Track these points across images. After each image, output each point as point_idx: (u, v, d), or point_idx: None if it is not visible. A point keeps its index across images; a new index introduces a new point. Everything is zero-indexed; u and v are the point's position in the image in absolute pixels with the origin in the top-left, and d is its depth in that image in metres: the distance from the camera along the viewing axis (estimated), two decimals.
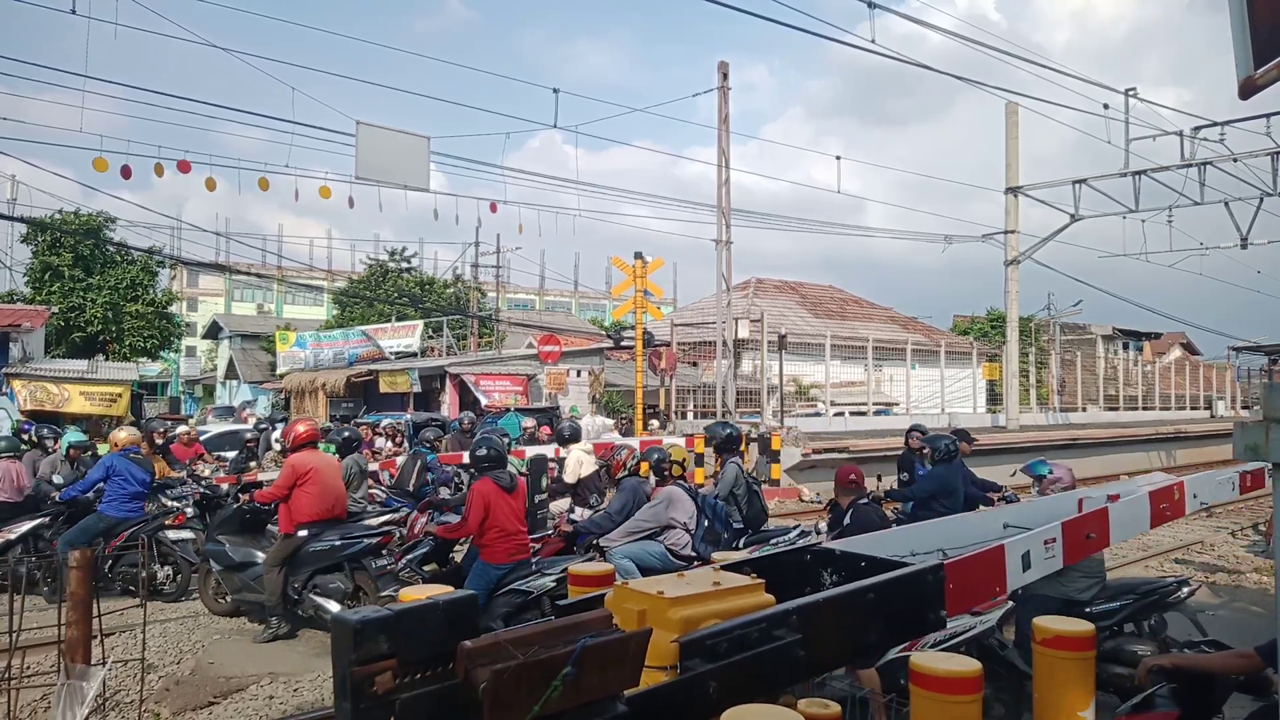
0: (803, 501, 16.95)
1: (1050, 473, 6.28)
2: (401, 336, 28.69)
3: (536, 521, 7.30)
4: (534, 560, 6.48)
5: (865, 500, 6.30)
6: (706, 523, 6.84)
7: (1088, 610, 5.56)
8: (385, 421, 17.11)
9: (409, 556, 6.93)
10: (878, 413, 27.25)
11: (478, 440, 7.35)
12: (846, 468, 6.64)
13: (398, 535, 7.38)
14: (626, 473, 7.41)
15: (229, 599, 7.77)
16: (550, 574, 6.29)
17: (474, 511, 6.35)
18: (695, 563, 6.30)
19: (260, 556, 7.41)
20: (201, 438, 15.64)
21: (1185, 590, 5.87)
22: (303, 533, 7.18)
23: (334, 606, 6.94)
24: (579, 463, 9.12)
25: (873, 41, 12.90)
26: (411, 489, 9.90)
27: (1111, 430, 29.56)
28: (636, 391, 21.17)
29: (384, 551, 7.18)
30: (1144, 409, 38.69)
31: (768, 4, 11.88)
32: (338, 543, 7.16)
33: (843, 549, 4.21)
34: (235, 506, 7.98)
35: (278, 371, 32.83)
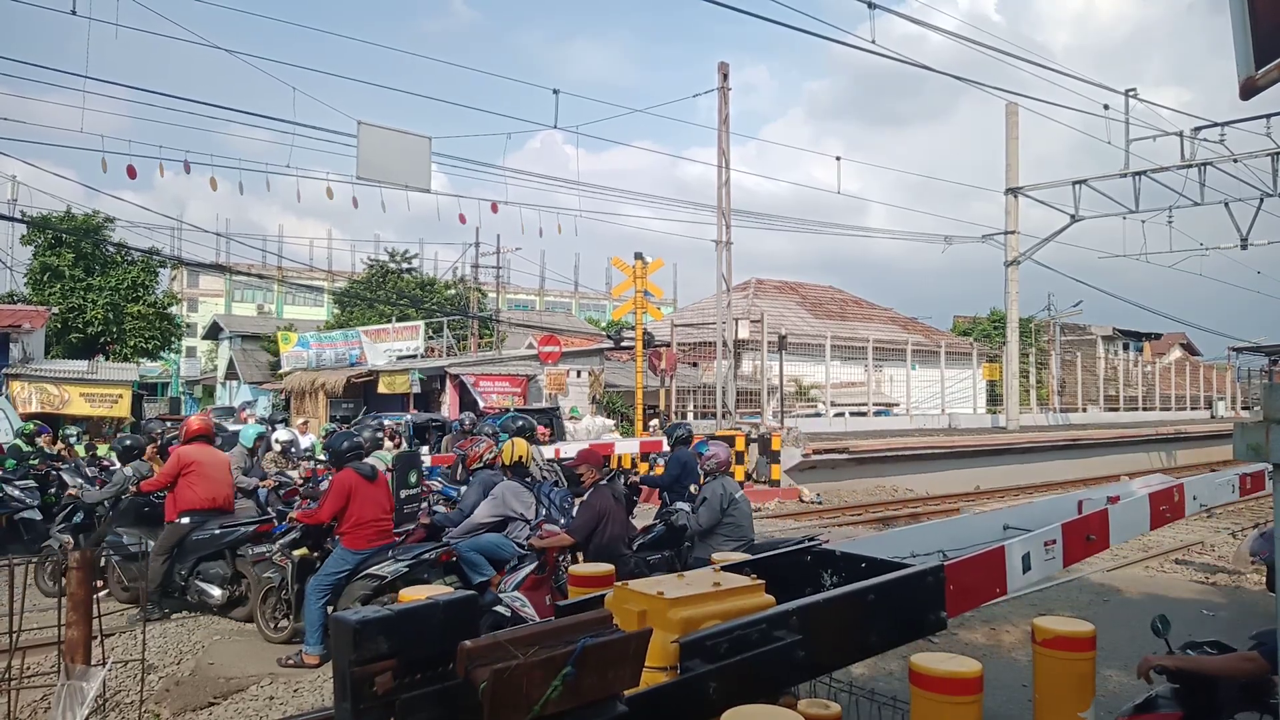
0: (803, 502, 16.95)
1: (707, 451, 7.27)
2: (404, 339, 28.69)
3: (405, 515, 7.55)
4: (391, 548, 6.75)
5: (606, 481, 6.68)
6: (545, 512, 7.01)
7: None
8: (386, 423, 17.09)
9: (281, 542, 7.25)
10: (878, 413, 27.25)
11: (340, 434, 7.64)
12: (597, 451, 7.23)
13: (279, 525, 7.76)
14: (482, 465, 7.55)
15: (128, 588, 8.17)
16: (404, 560, 6.60)
17: (330, 499, 6.68)
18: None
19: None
20: None
21: (809, 544, 6.33)
22: (185, 520, 7.63)
23: (215, 591, 7.49)
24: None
25: (873, 42, 12.90)
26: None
27: (1112, 431, 29.55)
28: (636, 392, 21.17)
29: (265, 540, 7.53)
30: (1144, 409, 38.68)
31: (768, 4, 11.88)
32: (217, 531, 7.65)
33: (843, 550, 4.21)
34: (131, 499, 8.37)
35: (281, 371, 32.83)
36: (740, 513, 6.83)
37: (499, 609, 5.98)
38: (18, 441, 12.51)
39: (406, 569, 6.54)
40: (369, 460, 7.23)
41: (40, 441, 12.82)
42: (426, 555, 6.73)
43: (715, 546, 6.59)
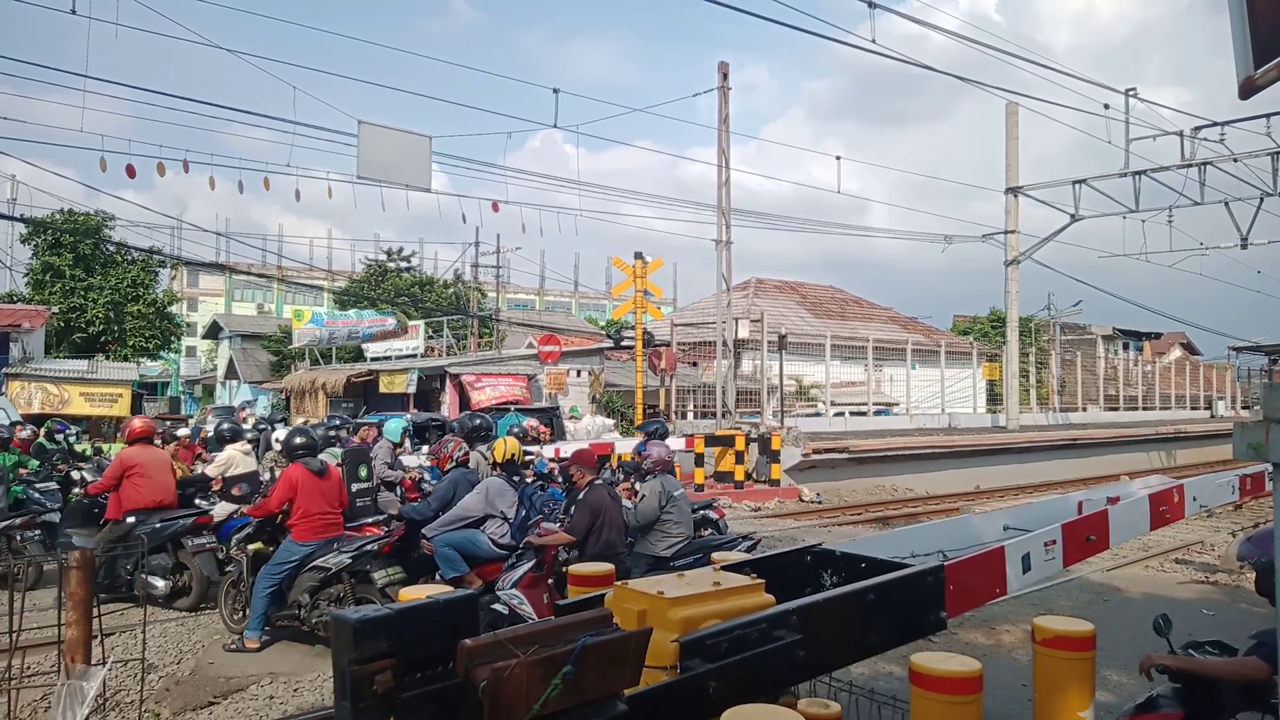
0: (802, 501, 16.94)
1: (646, 450, 7.50)
2: (405, 338, 28.70)
3: (358, 509, 7.75)
4: (337, 540, 6.92)
5: (601, 482, 6.83)
6: (525, 513, 7.07)
7: (672, 564, 6.66)
8: (388, 423, 17.08)
9: (236, 536, 7.41)
10: (878, 413, 27.25)
11: (293, 430, 7.97)
12: (591, 451, 7.36)
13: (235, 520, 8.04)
14: (454, 464, 7.72)
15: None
16: (347, 551, 6.76)
17: (277, 493, 6.97)
18: (515, 552, 6.70)
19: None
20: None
21: (744, 544, 7.21)
22: (130, 519, 7.96)
23: (159, 583, 7.78)
24: (229, 461, 9.58)
25: (873, 41, 12.89)
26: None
27: (1112, 430, 29.55)
28: (636, 391, 21.16)
29: (204, 531, 8.04)
30: (1144, 409, 38.69)
31: (768, 4, 11.88)
32: (158, 525, 7.94)
33: (843, 550, 4.22)
34: (79, 501, 8.66)
35: (293, 346, 32.95)
36: (679, 510, 7.07)
37: (497, 607, 6.06)
38: (42, 440, 12.48)
39: (350, 560, 6.72)
40: (321, 456, 7.47)
41: (60, 439, 12.82)
42: (369, 547, 6.88)
43: (654, 542, 6.94)
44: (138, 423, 8.71)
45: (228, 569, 7.44)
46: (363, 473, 7.95)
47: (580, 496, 6.61)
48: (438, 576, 6.82)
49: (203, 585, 7.92)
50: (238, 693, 5.94)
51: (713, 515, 8.86)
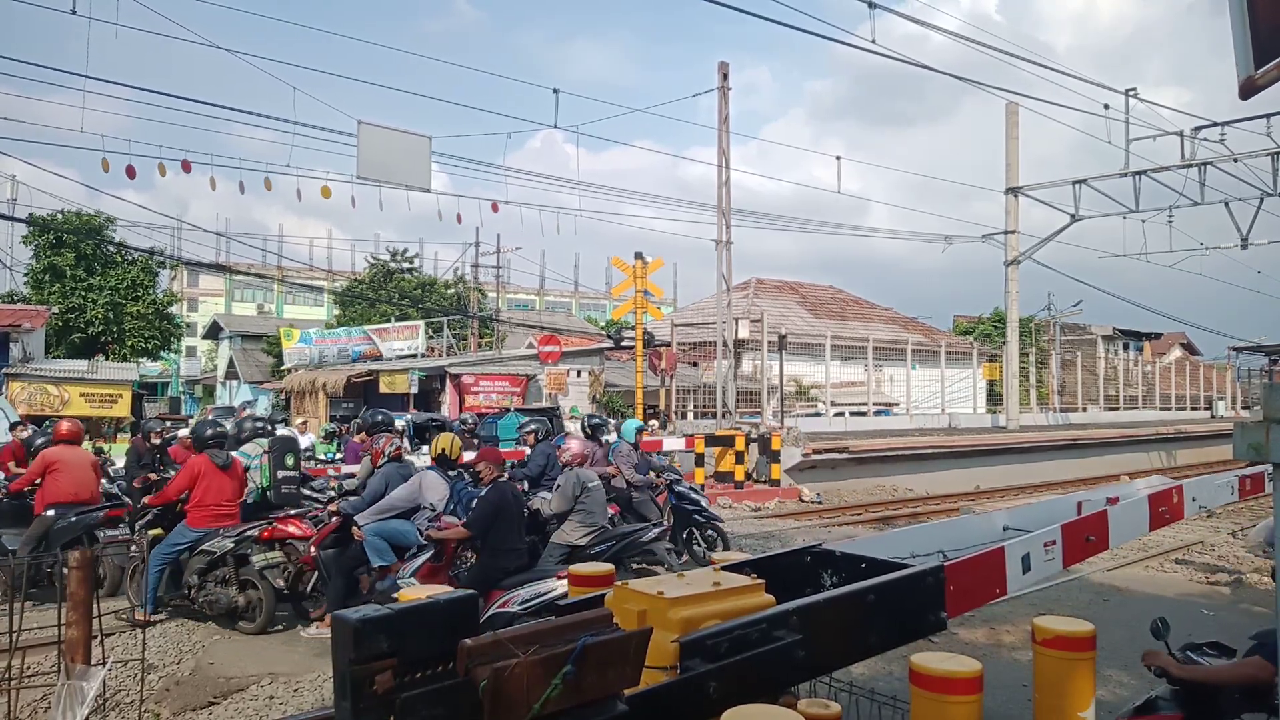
0: (802, 501, 16.94)
1: (563, 445, 8.02)
2: (404, 338, 28.70)
3: (283, 496, 8.00)
4: (223, 528, 7.41)
5: (504, 478, 6.96)
6: (453, 507, 7.32)
7: (587, 552, 7.04)
8: (396, 423, 17.07)
9: (139, 522, 7.87)
10: (878, 413, 27.25)
11: (204, 421, 8.61)
12: (494, 450, 7.61)
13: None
14: (386, 460, 8.02)
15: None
16: (230, 537, 7.32)
17: (177, 482, 7.56)
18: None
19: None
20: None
21: (653, 532, 7.71)
22: (50, 513, 8.35)
23: None
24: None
25: (873, 42, 12.89)
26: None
27: (1112, 430, 29.55)
28: (636, 391, 21.16)
29: (118, 524, 8.50)
30: (1144, 409, 38.68)
31: (768, 4, 11.87)
32: (74, 519, 8.38)
33: (843, 550, 4.21)
34: (8, 502, 9.03)
35: (283, 367, 32.82)
36: (593, 500, 7.43)
37: (397, 595, 6.13)
38: None
39: (233, 544, 7.26)
40: (246, 448, 8.18)
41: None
42: (250, 532, 7.38)
43: (569, 531, 7.34)
44: (64, 425, 9.07)
45: (131, 553, 7.98)
46: (289, 461, 8.15)
47: (482, 493, 6.76)
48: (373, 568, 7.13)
49: (114, 574, 8.40)
50: (238, 693, 5.94)
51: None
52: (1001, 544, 3.94)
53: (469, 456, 8.29)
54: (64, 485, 8.47)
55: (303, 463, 11.00)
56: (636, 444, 10.25)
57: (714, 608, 2.89)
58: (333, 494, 9.57)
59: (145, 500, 8.14)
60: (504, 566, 6.28)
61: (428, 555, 6.76)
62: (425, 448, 13.22)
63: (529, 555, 6.72)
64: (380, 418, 10.25)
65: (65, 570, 5.24)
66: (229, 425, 9.17)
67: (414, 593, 4.65)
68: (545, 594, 5.90)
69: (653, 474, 10.22)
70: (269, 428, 10.65)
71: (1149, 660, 3.42)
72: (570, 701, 1.92)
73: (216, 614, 7.38)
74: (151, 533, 7.62)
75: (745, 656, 2.75)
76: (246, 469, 8.00)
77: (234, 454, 7.99)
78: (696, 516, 10.03)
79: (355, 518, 7.29)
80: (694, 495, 10.66)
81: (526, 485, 9.25)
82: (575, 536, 7.28)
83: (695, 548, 9.99)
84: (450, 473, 7.65)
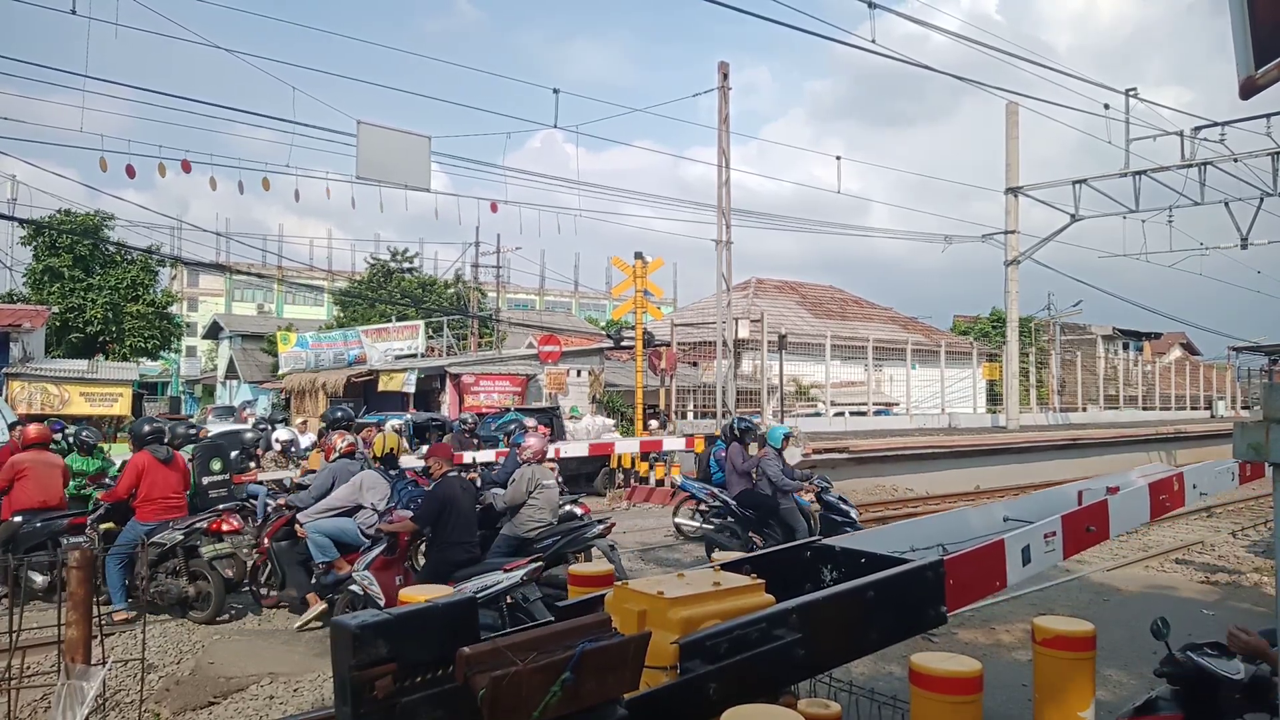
0: None
1: (523, 442, 8.11)
2: (404, 338, 28.67)
3: (210, 499, 8.29)
4: (172, 520, 7.69)
5: (455, 475, 7.19)
6: (394, 505, 7.53)
7: (534, 546, 7.18)
8: (391, 423, 17.07)
9: (91, 518, 8.22)
10: (878, 413, 27.23)
11: (143, 419, 8.84)
12: (448, 446, 7.87)
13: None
14: (338, 456, 8.22)
15: None
16: (179, 529, 7.59)
17: (125, 478, 7.80)
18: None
19: None
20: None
21: (598, 528, 7.76)
22: (18, 519, 8.50)
23: (39, 578, 8.15)
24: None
25: (873, 41, 12.89)
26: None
27: (1112, 430, 29.54)
28: (636, 391, 21.15)
29: (82, 531, 8.43)
30: (1144, 409, 38.66)
31: (768, 4, 11.87)
32: (39, 525, 8.54)
33: (843, 545, 4.21)
34: None
35: (280, 371, 32.79)
36: (545, 498, 7.58)
37: (353, 588, 6.80)
38: None
39: (182, 536, 7.56)
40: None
41: (58, 438, 12.72)
42: (199, 524, 7.69)
43: (519, 524, 7.46)
44: (33, 430, 9.12)
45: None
46: (216, 466, 8.44)
47: (431, 488, 6.98)
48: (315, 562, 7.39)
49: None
50: (238, 693, 5.94)
51: (577, 510, 9.37)
52: (1001, 536, 3.93)
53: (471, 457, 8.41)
54: (31, 492, 8.55)
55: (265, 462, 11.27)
56: (782, 450, 9.98)
57: (714, 607, 2.89)
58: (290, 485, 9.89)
59: (98, 497, 8.52)
60: (454, 560, 6.51)
61: (380, 548, 6.98)
62: (425, 447, 13.22)
63: (482, 549, 7.00)
64: (340, 414, 10.34)
65: (68, 569, 5.22)
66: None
67: (413, 595, 4.65)
68: (492, 586, 6.09)
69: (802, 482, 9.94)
70: (197, 433, 10.88)
71: (1233, 640, 3.27)
72: (570, 707, 1.91)
73: (168, 605, 7.61)
74: (103, 527, 7.99)
75: (745, 656, 2.74)
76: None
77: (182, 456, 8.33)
78: (846, 529, 9.41)
79: (298, 514, 7.54)
80: (843, 505, 10.40)
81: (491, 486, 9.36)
82: (523, 530, 7.47)
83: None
84: (392, 471, 7.87)
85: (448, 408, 23.09)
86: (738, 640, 2.74)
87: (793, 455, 18.07)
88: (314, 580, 7.52)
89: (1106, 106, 22.78)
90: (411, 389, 23.69)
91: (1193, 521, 14.41)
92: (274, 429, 14.21)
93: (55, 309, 26.58)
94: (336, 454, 8.21)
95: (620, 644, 2.06)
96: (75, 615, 5.11)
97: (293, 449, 12.16)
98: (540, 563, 6.44)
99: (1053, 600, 8.32)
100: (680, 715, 2.51)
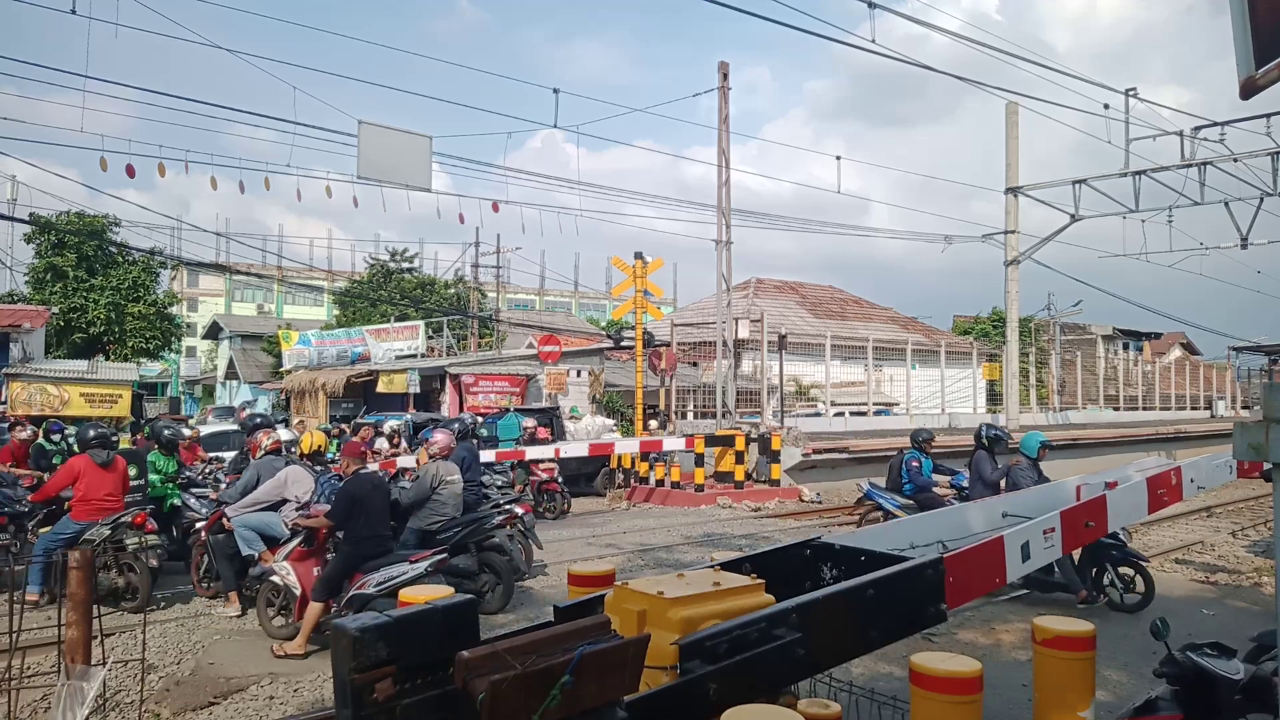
0: (803, 501, 16.94)
1: (431, 437, 8.55)
2: (404, 338, 28.66)
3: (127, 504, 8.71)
4: (103, 519, 8.05)
5: (366, 471, 7.43)
6: (318, 498, 7.80)
7: (437, 538, 7.59)
8: (389, 423, 17.08)
9: (31, 523, 8.76)
10: (878, 413, 27.23)
11: (87, 425, 9.27)
12: (357, 444, 8.35)
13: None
14: (263, 453, 8.57)
15: None
16: (106, 524, 8.01)
17: (56, 478, 8.29)
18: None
19: None
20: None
21: (497, 519, 8.26)
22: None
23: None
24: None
25: (873, 41, 12.87)
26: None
27: (1112, 430, 29.55)
28: (636, 391, 21.16)
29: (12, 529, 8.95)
30: (1144, 409, 38.65)
31: (768, 4, 11.87)
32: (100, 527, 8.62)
33: (843, 543, 4.21)
34: None
35: (283, 369, 32.77)
36: (449, 493, 8.00)
37: (274, 579, 7.21)
38: (41, 441, 12.31)
39: (109, 530, 7.99)
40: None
41: (57, 439, 12.69)
42: (125, 518, 8.12)
43: (422, 518, 7.88)
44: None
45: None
46: (133, 471, 8.79)
47: (341, 485, 7.26)
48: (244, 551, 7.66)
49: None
50: (238, 693, 5.93)
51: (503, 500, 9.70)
52: (1000, 533, 3.93)
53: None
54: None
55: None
56: (1038, 459, 9.42)
57: (714, 607, 2.89)
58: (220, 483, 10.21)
59: (28, 498, 9.01)
60: (364, 553, 6.76)
61: (298, 540, 7.31)
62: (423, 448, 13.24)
63: (395, 541, 7.36)
64: (259, 420, 10.93)
65: (68, 569, 5.22)
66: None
67: (413, 596, 4.64)
68: (397, 576, 6.50)
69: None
70: (116, 439, 11.06)
71: None
72: (569, 710, 1.91)
73: (100, 597, 7.68)
74: (38, 527, 8.54)
75: (745, 656, 2.74)
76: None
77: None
78: (1113, 552, 8.33)
79: (226, 510, 7.93)
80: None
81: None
82: (426, 523, 7.85)
83: (1111, 588, 8.26)
84: (317, 467, 8.25)
85: (448, 408, 23.09)
86: (738, 640, 2.74)
87: (792, 455, 18.10)
88: (249, 573, 7.82)
89: (1106, 106, 22.78)
90: (415, 389, 23.69)
91: (1193, 521, 14.41)
92: (274, 429, 14.18)
93: (57, 309, 26.57)
94: (262, 451, 8.63)
95: (620, 646, 2.05)
96: (75, 615, 5.11)
97: (293, 449, 12.19)
98: (444, 553, 6.94)
99: (1053, 600, 8.31)
100: (680, 716, 2.51)
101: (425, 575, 6.51)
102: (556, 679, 1.85)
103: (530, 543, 9.47)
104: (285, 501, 7.76)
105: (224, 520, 7.93)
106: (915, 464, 10.69)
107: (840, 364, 27.11)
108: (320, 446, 8.54)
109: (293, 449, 9.44)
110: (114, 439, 8.72)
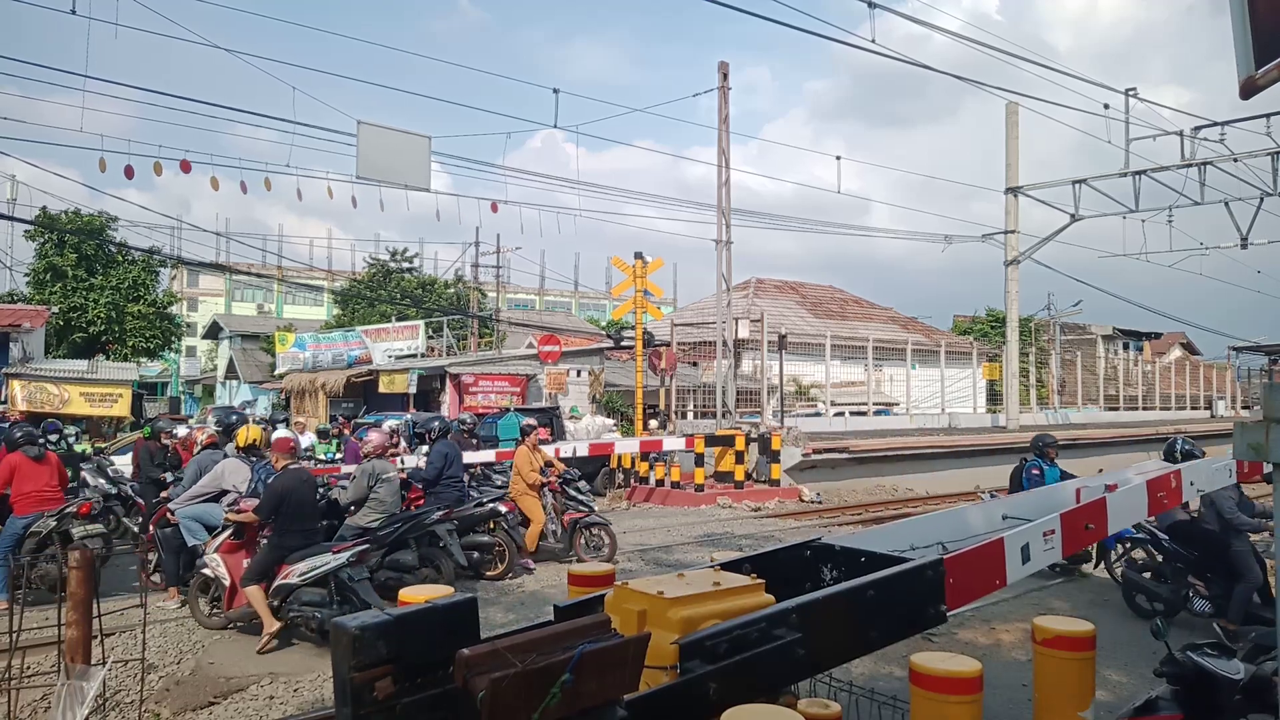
0: (803, 501, 16.94)
1: (365, 436, 8.75)
2: (404, 338, 28.64)
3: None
4: (47, 511, 8.36)
5: (296, 466, 7.58)
6: (253, 488, 7.95)
7: (377, 533, 7.80)
8: (389, 423, 17.07)
9: None
10: (878, 413, 27.23)
11: (14, 425, 9.67)
12: (287, 440, 8.26)
13: None
14: (200, 448, 9.06)
15: None
16: (51, 516, 8.33)
17: None
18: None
19: None
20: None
21: (436, 515, 8.33)
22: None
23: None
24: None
25: (873, 41, 12.88)
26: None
27: (1112, 430, 29.54)
28: (636, 391, 21.16)
29: None
30: (1144, 409, 38.65)
31: (768, 4, 11.87)
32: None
33: (843, 544, 4.21)
34: None
35: (277, 372, 32.76)
36: (386, 489, 8.28)
37: (205, 571, 7.47)
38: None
39: (55, 521, 8.30)
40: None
41: (56, 438, 12.71)
42: (70, 509, 8.48)
43: (362, 516, 8.16)
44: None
45: None
46: (69, 472, 9.12)
47: (270, 479, 7.45)
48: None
49: None
50: (238, 693, 5.93)
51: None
52: (1001, 535, 3.93)
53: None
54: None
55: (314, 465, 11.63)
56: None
57: (714, 607, 2.89)
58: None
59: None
60: (290, 545, 6.97)
61: (228, 533, 7.48)
62: (424, 447, 13.24)
63: (327, 536, 7.59)
64: (235, 419, 11.06)
65: (68, 569, 5.22)
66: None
67: (413, 596, 4.64)
68: (320, 566, 6.77)
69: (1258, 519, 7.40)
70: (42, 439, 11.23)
71: None
72: (569, 709, 1.91)
73: (49, 586, 7.89)
74: None
75: (745, 656, 2.74)
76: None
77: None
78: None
79: (170, 503, 8.23)
80: None
81: (423, 487, 9.75)
82: (366, 520, 8.11)
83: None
84: (252, 458, 8.43)
85: (447, 408, 23.09)
86: (738, 640, 2.74)
87: (792, 455, 18.11)
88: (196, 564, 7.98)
89: (1106, 106, 22.80)
90: (414, 389, 23.69)
91: None
92: (274, 429, 14.21)
93: (57, 309, 26.55)
94: (199, 447, 9.14)
95: (620, 645, 2.05)
96: (75, 615, 5.11)
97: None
98: (368, 545, 7.16)
99: (1053, 600, 8.31)
100: (680, 716, 2.51)
101: (347, 565, 6.74)
102: (557, 677, 1.85)
103: (514, 541, 9.54)
104: (226, 492, 8.04)
105: (169, 514, 8.21)
106: (1036, 472, 9.88)
107: (840, 364, 27.12)
108: (256, 440, 8.80)
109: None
110: (39, 439, 8.99)
